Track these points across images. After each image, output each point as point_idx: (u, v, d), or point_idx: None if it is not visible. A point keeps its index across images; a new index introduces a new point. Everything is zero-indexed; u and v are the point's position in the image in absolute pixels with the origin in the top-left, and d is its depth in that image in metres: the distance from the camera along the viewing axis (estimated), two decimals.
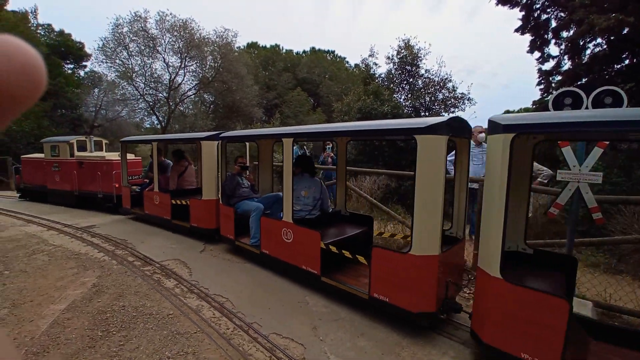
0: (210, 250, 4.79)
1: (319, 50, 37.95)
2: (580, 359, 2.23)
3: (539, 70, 9.46)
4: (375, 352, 2.56)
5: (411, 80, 13.24)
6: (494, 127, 2.30)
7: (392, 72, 13.44)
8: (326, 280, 3.37)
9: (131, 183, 7.12)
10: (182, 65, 17.35)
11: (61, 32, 21.45)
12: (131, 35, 16.25)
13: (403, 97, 13.44)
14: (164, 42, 16.75)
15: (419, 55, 12.83)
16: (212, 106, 19.74)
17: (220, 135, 4.97)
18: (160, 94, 17.59)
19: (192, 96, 18.97)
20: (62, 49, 20.73)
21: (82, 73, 21.96)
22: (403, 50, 12.92)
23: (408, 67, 12.99)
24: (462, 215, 3.37)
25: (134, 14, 16.11)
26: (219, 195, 5.04)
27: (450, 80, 12.79)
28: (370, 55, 13.96)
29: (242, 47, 26.45)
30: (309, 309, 3.19)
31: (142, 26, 16.20)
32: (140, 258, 4.42)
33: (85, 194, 7.96)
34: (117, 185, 7.28)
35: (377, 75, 13.92)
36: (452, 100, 12.79)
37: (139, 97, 17.37)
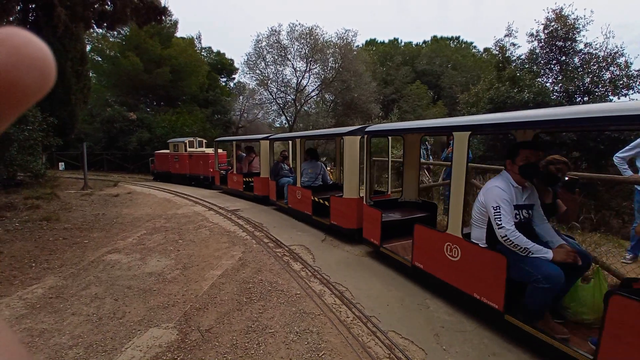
0: (330, 241, 5.09)
1: (441, 38, 35.12)
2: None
3: None
4: None
5: (563, 58, 10.72)
6: (362, 132, 4.74)
7: (536, 51, 11.18)
8: (315, 218, 5.74)
9: (220, 168, 10.30)
10: (307, 69, 18.95)
11: (218, 53, 26.54)
12: (267, 48, 18.73)
13: (551, 80, 11.04)
14: (293, 50, 18.67)
15: (575, 26, 10.27)
16: (332, 104, 20.89)
17: (270, 137, 7.75)
18: (289, 97, 19.71)
19: (315, 96, 20.50)
20: (218, 66, 25.65)
21: (232, 84, 26.67)
22: (553, 23, 10.57)
23: (559, 43, 10.56)
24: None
25: (270, 29, 18.51)
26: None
27: (621, 55, 9.78)
28: (506, 35, 11.97)
29: (360, 45, 26.92)
30: (429, 314, 3.01)
31: (277, 38, 18.45)
32: (273, 240, 5.06)
33: (193, 176, 11.91)
34: (211, 170, 10.82)
35: (514, 58, 11.85)
36: (624, 79, 9.74)
37: (272, 100, 19.92)
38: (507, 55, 11.87)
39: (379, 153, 14.59)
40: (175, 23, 21.69)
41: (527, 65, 11.24)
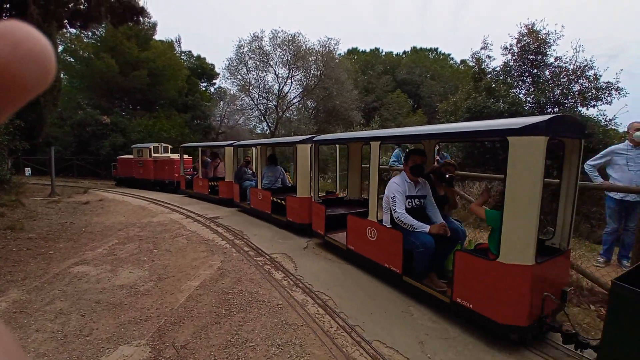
0: (312, 248, 5.00)
1: (421, 49, 36.21)
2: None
3: None
4: None
5: (535, 71, 11.26)
6: (312, 141, 5.47)
7: (510, 64, 11.69)
8: (274, 216, 6.33)
9: (186, 173, 10.64)
10: (290, 76, 18.94)
11: (198, 57, 26.08)
12: (249, 54, 18.60)
13: (524, 92, 11.55)
14: (275, 56, 18.63)
15: (546, 41, 10.83)
16: (313, 111, 20.93)
17: (234, 144, 8.27)
18: (271, 103, 19.59)
19: (297, 103, 20.49)
20: (199, 71, 25.17)
21: (212, 89, 26.23)
22: (525, 38, 11.09)
23: (531, 57, 11.08)
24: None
25: (252, 35, 18.40)
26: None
27: (590, 68, 10.37)
28: (482, 48, 12.44)
29: (343, 54, 27.29)
30: (413, 321, 2.98)
31: (259, 44, 18.37)
32: (254, 249, 4.92)
33: (158, 180, 12.03)
34: (177, 175, 11.13)
35: (490, 70, 12.33)
36: (593, 91, 10.32)
37: (253, 106, 19.74)
38: (483, 67, 12.32)
39: (366, 157, 14.70)
40: (154, 25, 21.16)
41: (502, 77, 11.70)
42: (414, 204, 3.50)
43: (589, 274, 3.36)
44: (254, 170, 8.29)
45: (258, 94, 19.44)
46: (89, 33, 17.97)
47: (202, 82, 25.94)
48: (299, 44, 18.22)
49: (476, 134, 3.05)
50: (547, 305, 2.52)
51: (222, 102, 22.10)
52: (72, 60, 19.91)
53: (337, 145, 7.26)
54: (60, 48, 16.95)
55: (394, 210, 3.39)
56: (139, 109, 21.23)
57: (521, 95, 11.34)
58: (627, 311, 1.75)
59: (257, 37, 18.34)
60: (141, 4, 7.70)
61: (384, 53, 35.93)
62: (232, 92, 20.93)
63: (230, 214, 7.55)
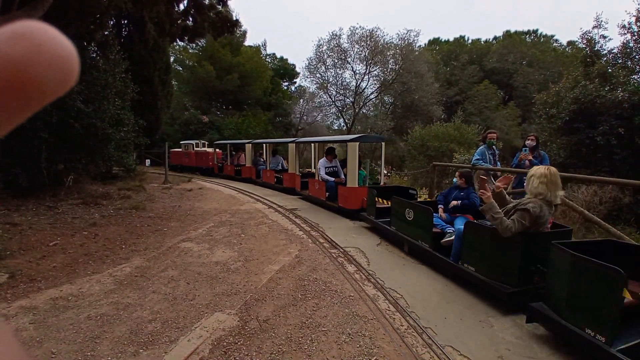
0: (385, 246, 5.01)
1: (515, 32, 32.02)
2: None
3: None
4: None
5: None
6: (295, 142, 9.83)
7: (630, 44, 9.60)
8: (276, 185, 10.55)
9: (217, 162, 14.74)
10: (367, 71, 18.83)
11: (281, 58, 27.81)
12: (328, 52, 19.07)
13: None
14: (353, 53, 18.75)
15: None
16: (391, 107, 20.45)
17: (252, 142, 12.63)
18: (348, 99, 19.81)
19: (374, 99, 20.28)
20: (281, 72, 26.87)
21: (293, 88, 27.75)
22: None
23: None
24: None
25: (331, 34, 18.83)
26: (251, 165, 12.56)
27: None
28: (595, 27, 10.41)
29: (423, 45, 25.88)
30: (493, 333, 2.79)
31: (337, 42, 18.71)
32: (328, 241, 5.16)
33: (198, 167, 16.03)
34: (211, 163, 15.15)
35: (605, 52, 10.28)
36: None
37: (330, 103, 20.22)
38: (596, 48, 10.35)
39: (439, 157, 13.87)
40: (245, 33, 23.35)
41: (620, 61, 9.70)
42: (330, 169, 7.61)
43: None
44: (265, 159, 12.06)
45: (336, 91, 19.89)
46: (193, 45, 20.73)
47: (284, 82, 27.64)
48: (377, 39, 17.97)
49: (337, 141, 10.09)
50: (363, 202, 6.33)
51: (301, 100, 23.25)
52: (180, 68, 23.28)
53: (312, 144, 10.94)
54: (171, 59, 20.00)
55: (319, 174, 7.54)
56: (231, 108, 23.72)
57: None
58: (371, 193, 6.01)
59: (336, 35, 18.73)
60: (235, 16, 8.61)
61: (469, 41, 32.85)
62: (311, 90, 21.86)
63: (307, 206, 8.00)
